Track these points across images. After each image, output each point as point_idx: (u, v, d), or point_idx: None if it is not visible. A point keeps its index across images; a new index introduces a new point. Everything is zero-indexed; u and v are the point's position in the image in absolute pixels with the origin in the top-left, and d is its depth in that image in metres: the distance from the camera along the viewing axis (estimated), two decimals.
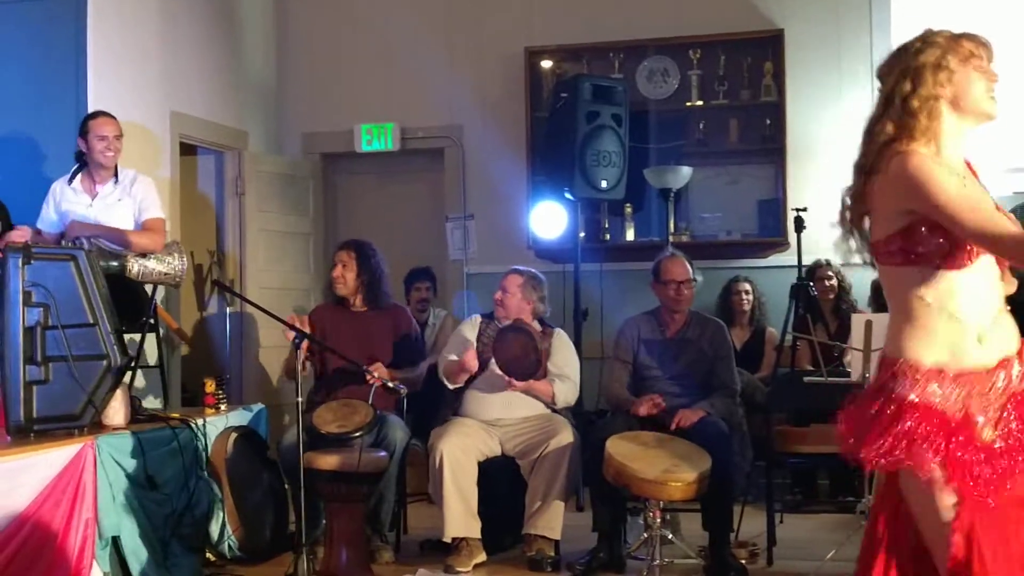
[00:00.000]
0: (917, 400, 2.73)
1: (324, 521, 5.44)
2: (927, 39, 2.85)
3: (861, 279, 7.19)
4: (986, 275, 2.79)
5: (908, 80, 2.81)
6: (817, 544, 5.61)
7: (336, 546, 5.20)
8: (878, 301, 6.82)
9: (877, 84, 2.96)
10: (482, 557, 5.47)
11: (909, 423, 2.71)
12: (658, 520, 5.13)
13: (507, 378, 5.61)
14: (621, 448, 5.23)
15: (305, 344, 5.36)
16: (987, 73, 2.85)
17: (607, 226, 7.89)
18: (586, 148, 7.00)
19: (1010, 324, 2.86)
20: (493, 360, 5.71)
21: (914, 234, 2.75)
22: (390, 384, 5.47)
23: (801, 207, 6.19)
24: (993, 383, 2.76)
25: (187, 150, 7.56)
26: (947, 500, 2.71)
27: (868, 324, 5.26)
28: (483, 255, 7.99)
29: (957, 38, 2.85)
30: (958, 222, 2.67)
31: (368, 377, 5.48)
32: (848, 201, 2.92)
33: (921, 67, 2.81)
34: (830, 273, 7.11)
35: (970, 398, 2.73)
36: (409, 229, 8.40)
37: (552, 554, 5.43)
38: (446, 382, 5.81)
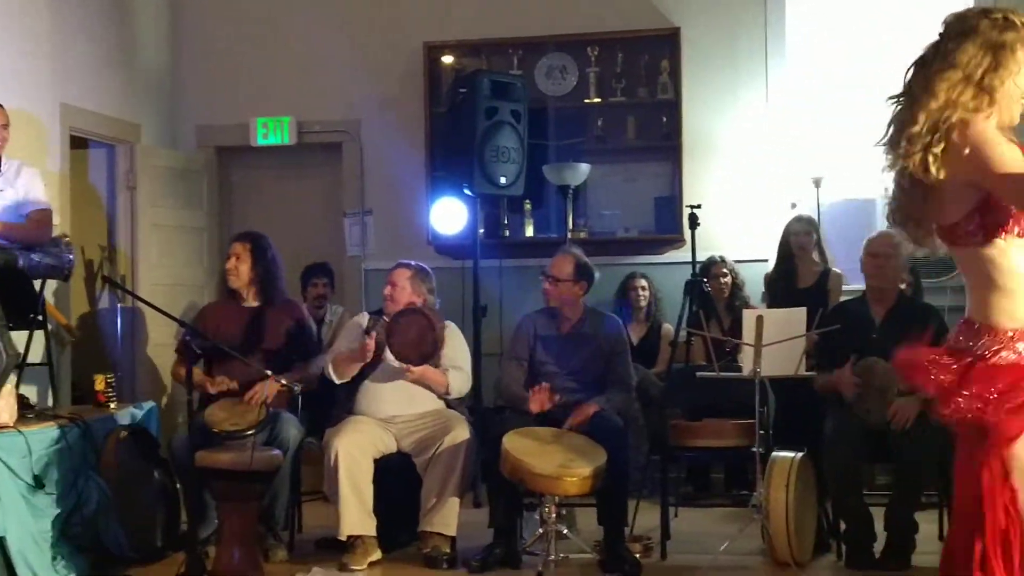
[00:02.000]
0: (1013, 359, 2.73)
1: (217, 520, 5.37)
2: (1010, 17, 2.77)
3: (755, 275, 7.29)
4: None
5: (990, 55, 2.74)
6: (711, 537, 5.67)
7: (228, 545, 5.13)
8: (771, 296, 6.93)
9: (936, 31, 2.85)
10: (377, 555, 5.44)
11: (1005, 382, 2.71)
12: (553, 515, 5.16)
13: (404, 365, 5.59)
14: (517, 444, 5.25)
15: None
16: None
17: (507, 222, 7.91)
18: (485, 144, 7.00)
19: None
20: (388, 351, 5.69)
21: (991, 206, 2.72)
22: (284, 382, 5.43)
23: (696, 204, 6.27)
24: None
25: (78, 143, 7.38)
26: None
27: (759, 319, 5.35)
28: (382, 251, 7.93)
29: None
30: (1001, 185, 2.65)
31: (258, 376, 5.45)
32: (903, 185, 2.82)
33: (1002, 45, 2.74)
34: (724, 271, 7.19)
35: None
36: (306, 224, 8.31)
37: (448, 551, 5.42)
38: (333, 376, 5.75)
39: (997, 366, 2.75)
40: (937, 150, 2.72)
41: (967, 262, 2.85)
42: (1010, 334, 2.76)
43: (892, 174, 2.90)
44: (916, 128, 2.74)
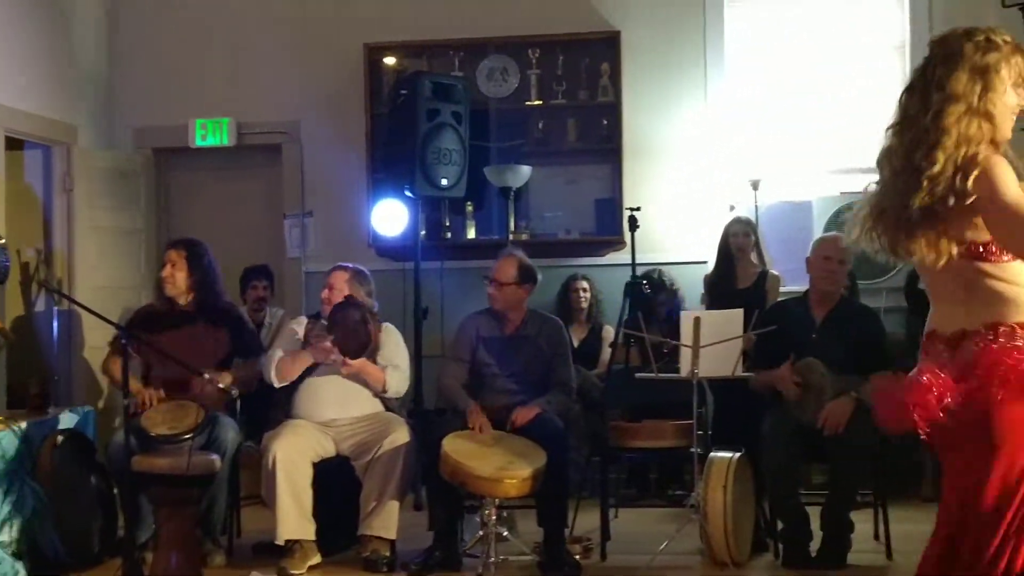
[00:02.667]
0: None
1: (154, 525, 5.33)
2: (992, 38, 2.84)
3: (694, 276, 7.34)
4: None
5: (980, 80, 2.81)
6: (650, 538, 5.69)
7: (166, 550, 5.10)
8: (711, 297, 6.98)
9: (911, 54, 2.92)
10: (316, 559, 5.43)
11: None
12: (494, 517, 5.17)
13: (341, 359, 5.58)
14: (457, 446, 5.26)
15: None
16: (1022, 97, 2.88)
17: (448, 224, 7.90)
18: (426, 146, 6.99)
19: None
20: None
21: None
22: (221, 385, 5.40)
23: (635, 207, 6.31)
24: None
25: (13, 144, 7.29)
26: None
27: (696, 320, 5.40)
28: (322, 253, 7.89)
29: (1015, 51, 2.85)
30: (1008, 232, 2.75)
31: (194, 378, 5.41)
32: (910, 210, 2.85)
33: (987, 68, 2.81)
34: (663, 297, 7.12)
35: None
36: (246, 227, 8.24)
37: (387, 554, 5.42)
38: (275, 380, 5.72)
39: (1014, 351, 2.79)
40: (962, 188, 2.77)
41: (984, 278, 2.86)
42: None
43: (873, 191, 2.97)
44: (937, 168, 2.79)
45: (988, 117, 2.81)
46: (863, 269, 6.90)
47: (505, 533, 5.38)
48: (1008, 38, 2.87)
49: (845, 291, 6.17)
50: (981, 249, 2.83)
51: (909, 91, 2.93)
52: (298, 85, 8.14)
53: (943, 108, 2.81)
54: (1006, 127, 2.87)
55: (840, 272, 5.70)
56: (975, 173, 2.76)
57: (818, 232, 7.11)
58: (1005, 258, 2.82)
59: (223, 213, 8.24)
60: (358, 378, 5.70)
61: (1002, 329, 2.82)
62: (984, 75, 2.81)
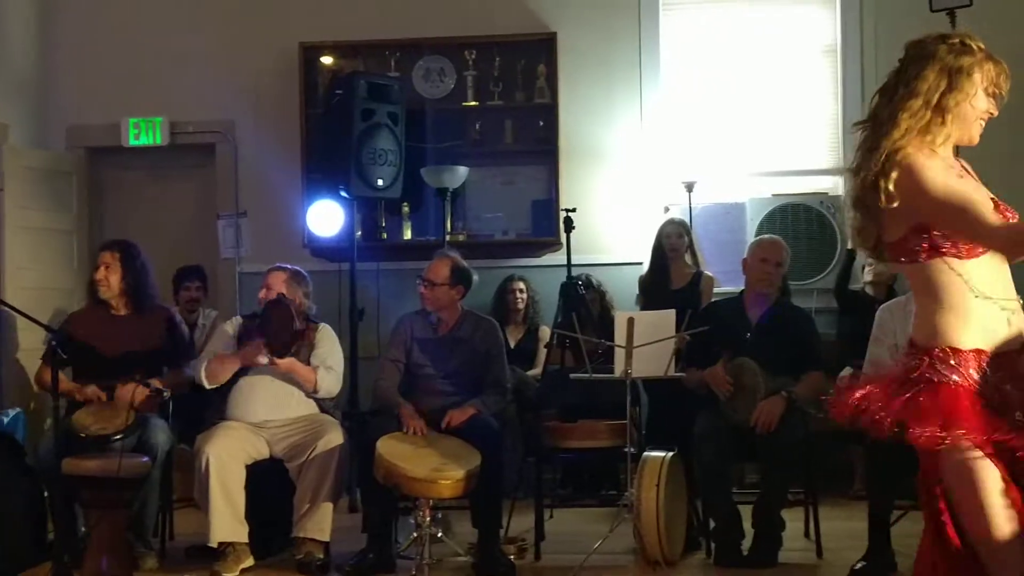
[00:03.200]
0: (960, 383, 2.80)
1: (85, 528, 5.28)
2: (967, 42, 2.90)
3: (629, 277, 7.38)
4: (997, 258, 2.89)
5: (947, 78, 2.86)
6: (585, 537, 5.71)
7: (97, 553, 5.05)
8: (645, 297, 7.02)
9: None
10: (250, 562, 5.39)
11: (952, 404, 2.78)
12: (428, 519, 5.15)
13: (270, 359, 5.56)
14: (391, 448, 5.25)
15: None
16: (992, 105, 2.93)
17: (384, 225, 7.88)
18: (362, 146, 6.97)
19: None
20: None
21: (937, 228, 2.83)
22: (153, 385, 5.36)
23: (571, 208, 6.33)
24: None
25: None
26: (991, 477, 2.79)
27: (630, 321, 5.43)
28: (257, 254, 7.84)
29: (988, 58, 2.91)
30: (950, 221, 2.79)
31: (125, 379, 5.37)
32: (856, 208, 2.95)
33: (959, 70, 2.86)
34: (593, 296, 7.16)
35: (1006, 380, 2.82)
36: (179, 227, 8.20)
37: (321, 556, 5.39)
38: (205, 381, 5.68)
39: (940, 390, 2.81)
40: (885, 188, 2.83)
41: (915, 278, 2.93)
42: (955, 355, 2.83)
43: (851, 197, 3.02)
44: (877, 155, 2.86)
45: (943, 112, 2.87)
46: (794, 270, 6.99)
47: (439, 534, 5.39)
48: (982, 45, 2.94)
49: (777, 292, 6.25)
50: (898, 250, 2.90)
51: (881, 91, 2.99)
52: (232, 84, 8.08)
53: (901, 103, 2.88)
54: (973, 130, 2.94)
55: (776, 274, 5.76)
56: (894, 175, 2.81)
57: (751, 234, 7.19)
58: (923, 259, 2.86)
59: (156, 213, 8.18)
60: (289, 378, 5.67)
61: (929, 348, 2.87)
62: (953, 75, 2.88)
